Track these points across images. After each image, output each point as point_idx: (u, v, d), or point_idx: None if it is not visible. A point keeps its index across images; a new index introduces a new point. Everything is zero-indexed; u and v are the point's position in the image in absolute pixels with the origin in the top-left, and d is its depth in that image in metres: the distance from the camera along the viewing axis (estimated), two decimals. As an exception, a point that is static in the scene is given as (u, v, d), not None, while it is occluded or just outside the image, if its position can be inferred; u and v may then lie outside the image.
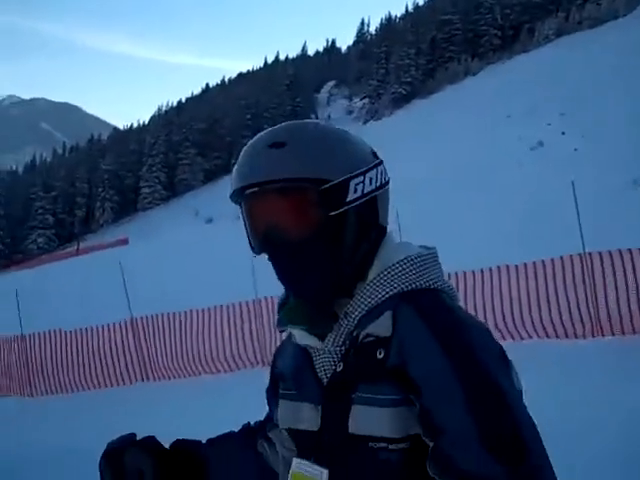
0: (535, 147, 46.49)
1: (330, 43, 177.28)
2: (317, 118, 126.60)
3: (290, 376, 1.56)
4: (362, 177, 1.44)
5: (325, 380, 1.46)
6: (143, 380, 13.99)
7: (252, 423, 1.81)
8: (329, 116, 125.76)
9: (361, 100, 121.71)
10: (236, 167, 1.46)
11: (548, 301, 11.22)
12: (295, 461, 1.50)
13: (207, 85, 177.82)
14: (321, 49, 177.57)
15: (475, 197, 28.28)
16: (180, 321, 14.15)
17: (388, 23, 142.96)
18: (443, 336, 1.31)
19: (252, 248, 1.48)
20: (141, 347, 14.30)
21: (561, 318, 11.10)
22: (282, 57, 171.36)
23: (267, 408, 1.75)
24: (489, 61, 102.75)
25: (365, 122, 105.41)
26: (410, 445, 1.33)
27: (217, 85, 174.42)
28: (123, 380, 14.25)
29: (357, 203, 1.43)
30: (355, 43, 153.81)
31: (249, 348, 13.47)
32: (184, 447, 1.67)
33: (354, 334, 1.42)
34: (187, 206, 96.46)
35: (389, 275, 1.42)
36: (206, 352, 13.71)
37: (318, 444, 1.45)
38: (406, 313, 1.37)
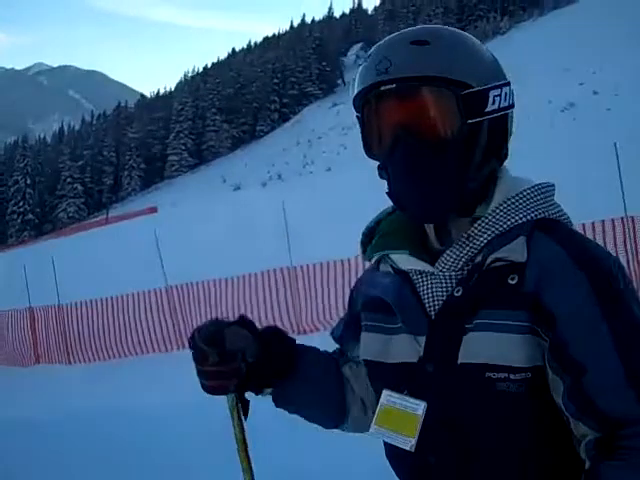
0: (566, 108, 45.72)
1: (356, 4, 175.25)
2: (344, 81, 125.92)
3: (385, 306, 1.44)
4: (500, 90, 1.37)
5: (433, 307, 1.37)
6: (179, 348, 14.03)
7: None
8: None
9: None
10: (369, 63, 1.37)
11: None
12: (385, 393, 1.43)
13: (233, 49, 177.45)
14: (347, 11, 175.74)
15: (508, 161, 27.87)
16: (214, 289, 14.16)
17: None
18: (586, 266, 1.26)
19: (371, 154, 1.41)
20: (177, 315, 14.32)
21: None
22: (308, 19, 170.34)
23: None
24: (519, 19, 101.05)
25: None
26: (531, 376, 1.27)
27: (243, 49, 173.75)
28: (159, 347, 14.32)
29: (494, 116, 1.36)
30: (382, 3, 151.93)
31: (284, 316, 13.42)
32: (277, 334, 1.57)
33: (477, 258, 1.34)
34: (214, 173, 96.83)
35: (522, 200, 1.35)
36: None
37: (414, 376, 1.38)
38: (543, 240, 1.31)
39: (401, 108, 1.33)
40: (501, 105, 1.37)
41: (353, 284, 1.66)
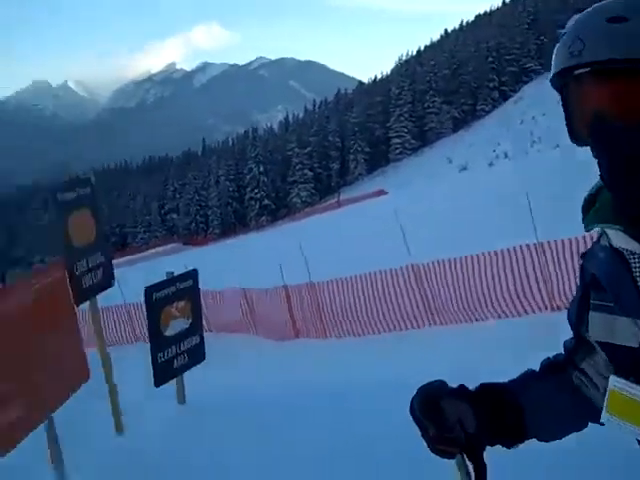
0: None
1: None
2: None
3: (604, 285, 1.36)
4: None
5: None
6: (430, 324, 14.26)
7: (552, 357, 1.65)
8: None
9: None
10: (563, 42, 1.31)
11: None
12: (613, 379, 1.37)
13: (445, 31, 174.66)
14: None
15: None
16: (460, 266, 14.11)
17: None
18: None
19: (574, 139, 1.35)
20: (425, 292, 14.47)
21: None
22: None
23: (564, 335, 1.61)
24: None
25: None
26: None
27: (455, 30, 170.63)
28: (411, 323, 14.56)
29: None
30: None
31: (535, 290, 13.09)
32: (495, 394, 1.54)
33: None
34: (439, 155, 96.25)
35: None
36: (491, 296, 13.59)
37: (638, 362, 1.31)
38: None
39: (597, 93, 1.24)
40: None
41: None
